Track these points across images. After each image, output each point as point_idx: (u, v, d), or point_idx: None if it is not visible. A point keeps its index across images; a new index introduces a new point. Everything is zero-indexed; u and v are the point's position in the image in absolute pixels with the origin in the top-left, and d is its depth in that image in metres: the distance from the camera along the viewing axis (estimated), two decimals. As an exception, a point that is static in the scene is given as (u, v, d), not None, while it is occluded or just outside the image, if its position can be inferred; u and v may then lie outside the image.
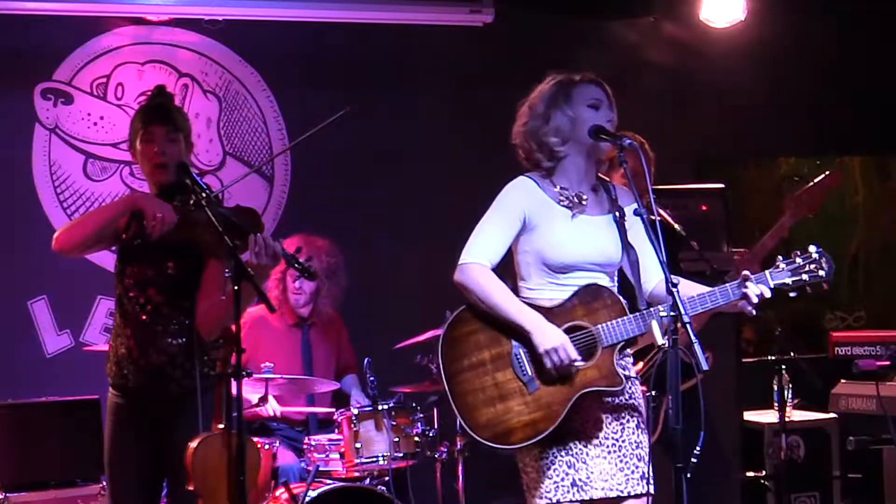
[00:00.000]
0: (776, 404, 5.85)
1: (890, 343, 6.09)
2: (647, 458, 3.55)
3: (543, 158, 3.60)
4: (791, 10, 6.83)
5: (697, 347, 3.18)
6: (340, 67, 6.38)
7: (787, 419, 5.80)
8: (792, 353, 6.03)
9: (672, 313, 3.23)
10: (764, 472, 6.00)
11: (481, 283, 3.50)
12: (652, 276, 3.60)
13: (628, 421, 3.58)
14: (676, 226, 4.74)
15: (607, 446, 3.53)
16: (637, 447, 3.56)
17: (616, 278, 3.67)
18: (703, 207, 5.80)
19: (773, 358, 6.02)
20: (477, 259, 3.53)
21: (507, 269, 3.65)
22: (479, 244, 3.55)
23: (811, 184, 4.68)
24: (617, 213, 3.61)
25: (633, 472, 3.53)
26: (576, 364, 3.43)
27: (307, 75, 6.37)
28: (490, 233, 3.56)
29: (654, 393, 3.90)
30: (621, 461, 3.53)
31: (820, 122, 7.05)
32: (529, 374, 3.46)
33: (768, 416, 6.10)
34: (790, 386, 5.89)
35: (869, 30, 7.05)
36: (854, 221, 7.64)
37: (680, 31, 6.87)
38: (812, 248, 3.53)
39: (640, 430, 3.58)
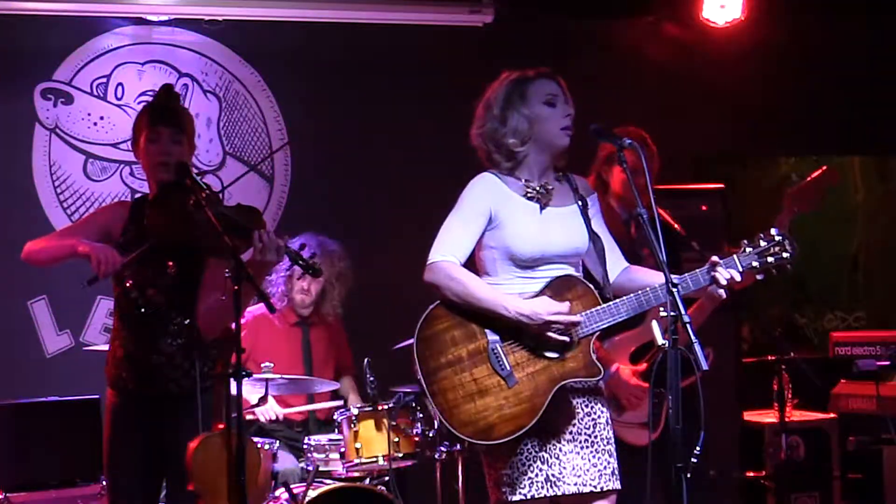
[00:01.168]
0: (776, 404, 5.85)
1: (890, 343, 6.10)
2: (616, 454, 3.57)
3: (502, 160, 3.60)
4: (791, 10, 6.83)
5: (697, 347, 3.17)
6: (340, 67, 6.38)
7: (787, 419, 5.80)
8: (792, 353, 6.03)
9: (672, 313, 3.23)
10: (764, 472, 6.00)
11: (454, 277, 3.47)
12: (615, 265, 3.63)
13: (599, 416, 3.57)
14: (676, 225, 4.74)
15: (580, 441, 3.52)
16: (608, 443, 3.57)
17: (580, 269, 3.66)
18: (703, 207, 5.80)
19: (773, 358, 6.02)
20: (445, 256, 3.51)
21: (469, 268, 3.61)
22: (447, 242, 3.53)
23: (807, 179, 4.69)
24: (580, 203, 3.62)
25: (605, 467, 3.54)
26: (575, 322, 3.41)
27: (307, 75, 6.37)
28: (456, 230, 3.55)
29: (656, 390, 3.89)
30: (594, 457, 3.52)
31: (820, 122, 7.05)
32: (508, 368, 3.44)
33: (768, 416, 6.10)
34: (790, 386, 5.89)
35: (869, 30, 7.05)
36: (854, 221, 7.62)
37: (680, 31, 6.88)
38: (774, 231, 3.57)
39: (609, 426, 3.59)
